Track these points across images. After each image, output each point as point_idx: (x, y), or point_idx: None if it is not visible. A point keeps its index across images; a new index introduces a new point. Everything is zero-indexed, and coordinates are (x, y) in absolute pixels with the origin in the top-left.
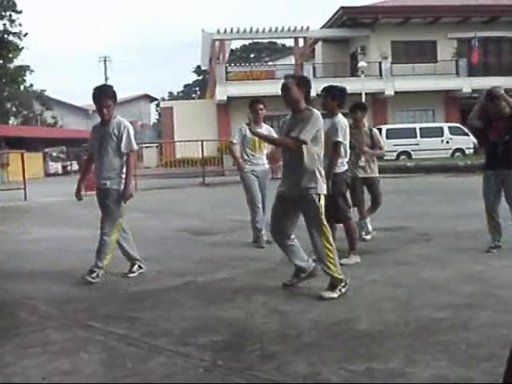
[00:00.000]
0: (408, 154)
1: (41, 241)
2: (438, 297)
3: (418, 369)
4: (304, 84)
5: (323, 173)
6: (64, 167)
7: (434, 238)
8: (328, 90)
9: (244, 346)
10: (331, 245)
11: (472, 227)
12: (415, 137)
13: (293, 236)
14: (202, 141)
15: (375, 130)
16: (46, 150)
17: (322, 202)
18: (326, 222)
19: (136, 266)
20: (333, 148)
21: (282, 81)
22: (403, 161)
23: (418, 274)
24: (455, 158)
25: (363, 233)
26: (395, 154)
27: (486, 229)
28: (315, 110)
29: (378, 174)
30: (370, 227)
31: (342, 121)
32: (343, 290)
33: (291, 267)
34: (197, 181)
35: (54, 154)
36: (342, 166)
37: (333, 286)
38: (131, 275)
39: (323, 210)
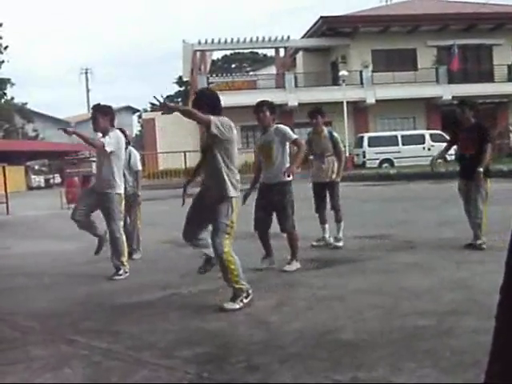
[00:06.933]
0: (390, 162)
1: (23, 255)
2: (422, 304)
3: (403, 377)
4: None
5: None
6: (46, 180)
7: (418, 246)
8: (265, 106)
9: (229, 358)
10: (232, 256)
11: (455, 234)
12: (397, 144)
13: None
14: (184, 152)
15: (336, 134)
16: (28, 163)
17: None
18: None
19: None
20: (296, 145)
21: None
22: (385, 168)
23: (401, 281)
24: (437, 164)
25: (335, 241)
26: (377, 161)
27: (469, 235)
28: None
29: (339, 178)
30: (326, 235)
31: (284, 126)
32: (245, 301)
33: (277, 278)
34: (180, 192)
35: (37, 168)
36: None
37: (235, 297)
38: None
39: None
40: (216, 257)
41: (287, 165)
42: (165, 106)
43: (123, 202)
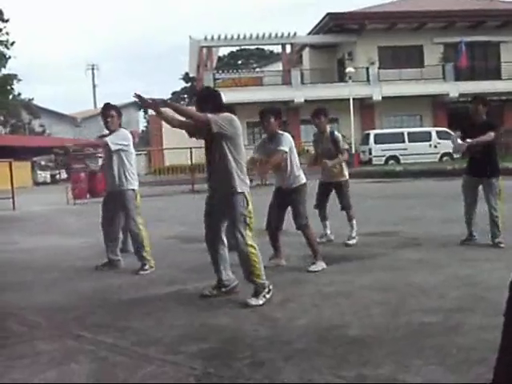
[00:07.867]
0: (396, 159)
1: (30, 250)
2: (429, 301)
3: (409, 374)
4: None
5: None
6: (52, 176)
7: (424, 242)
8: (270, 113)
9: (234, 354)
10: (255, 248)
11: (461, 231)
12: (403, 141)
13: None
14: (190, 148)
15: (337, 133)
16: (35, 158)
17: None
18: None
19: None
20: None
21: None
22: (392, 165)
23: (407, 278)
24: (443, 162)
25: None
26: (383, 158)
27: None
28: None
29: (346, 178)
30: (328, 231)
31: (287, 136)
32: (268, 296)
33: (282, 275)
34: (186, 188)
35: (43, 163)
36: (303, 177)
37: (257, 293)
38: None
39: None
40: (238, 251)
41: (298, 167)
42: (147, 103)
43: (138, 196)
